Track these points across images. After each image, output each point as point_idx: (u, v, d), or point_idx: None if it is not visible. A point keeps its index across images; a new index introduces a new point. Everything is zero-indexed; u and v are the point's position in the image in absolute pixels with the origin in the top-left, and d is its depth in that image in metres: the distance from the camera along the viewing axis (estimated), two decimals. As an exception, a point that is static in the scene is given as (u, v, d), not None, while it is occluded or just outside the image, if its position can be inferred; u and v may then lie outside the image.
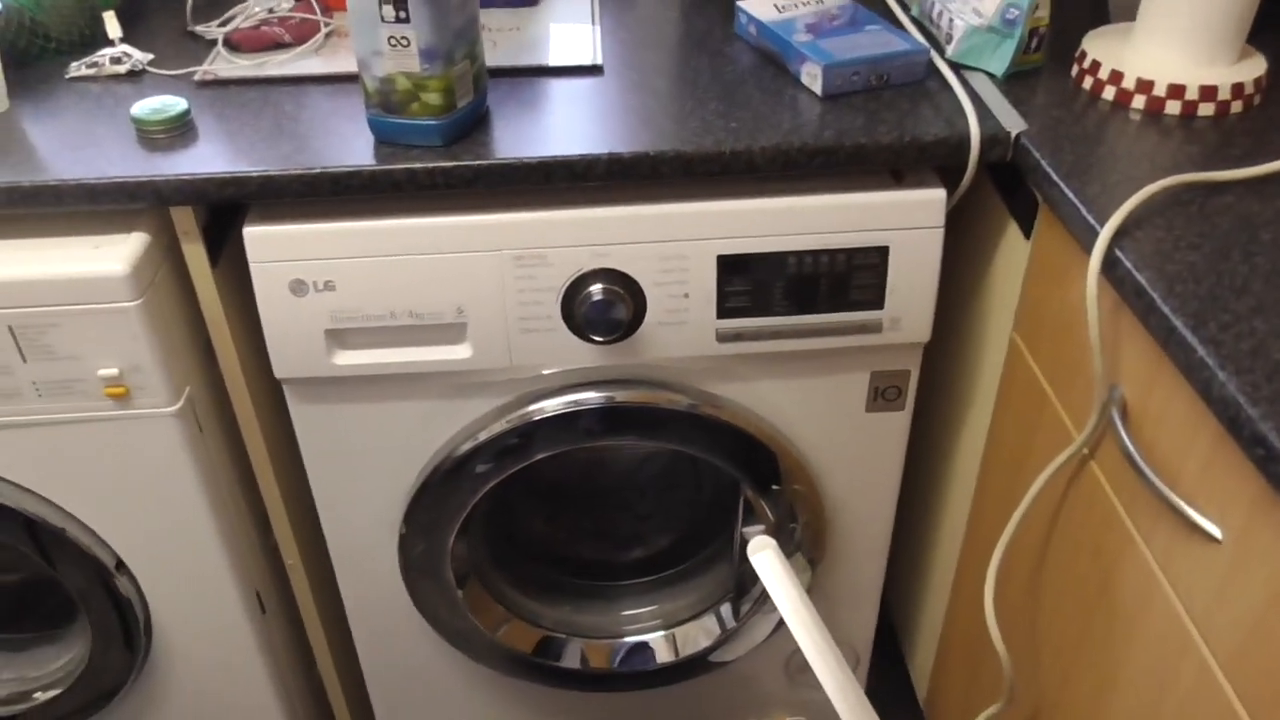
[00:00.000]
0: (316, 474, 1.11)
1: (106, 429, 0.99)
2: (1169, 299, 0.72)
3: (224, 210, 1.02)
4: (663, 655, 1.27)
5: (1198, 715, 0.74)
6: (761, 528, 1.15)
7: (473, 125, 0.96)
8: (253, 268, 0.96)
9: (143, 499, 1.04)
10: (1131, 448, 0.78)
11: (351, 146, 0.94)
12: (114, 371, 0.95)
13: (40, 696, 1.15)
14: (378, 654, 1.28)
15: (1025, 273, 0.99)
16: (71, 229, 0.95)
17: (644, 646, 1.28)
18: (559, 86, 1.03)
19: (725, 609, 1.27)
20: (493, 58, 1.06)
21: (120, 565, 1.08)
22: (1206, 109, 0.95)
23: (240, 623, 1.16)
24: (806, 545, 1.18)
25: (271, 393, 1.13)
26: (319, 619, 1.26)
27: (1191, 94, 0.95)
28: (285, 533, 1.17)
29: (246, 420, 1.08)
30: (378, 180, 0.92)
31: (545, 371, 1.04)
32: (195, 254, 0.97)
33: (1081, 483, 0.90)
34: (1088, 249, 0.81)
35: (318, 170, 0.91)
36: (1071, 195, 0.84)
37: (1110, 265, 0.78)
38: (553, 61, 1.07)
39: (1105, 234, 0.78)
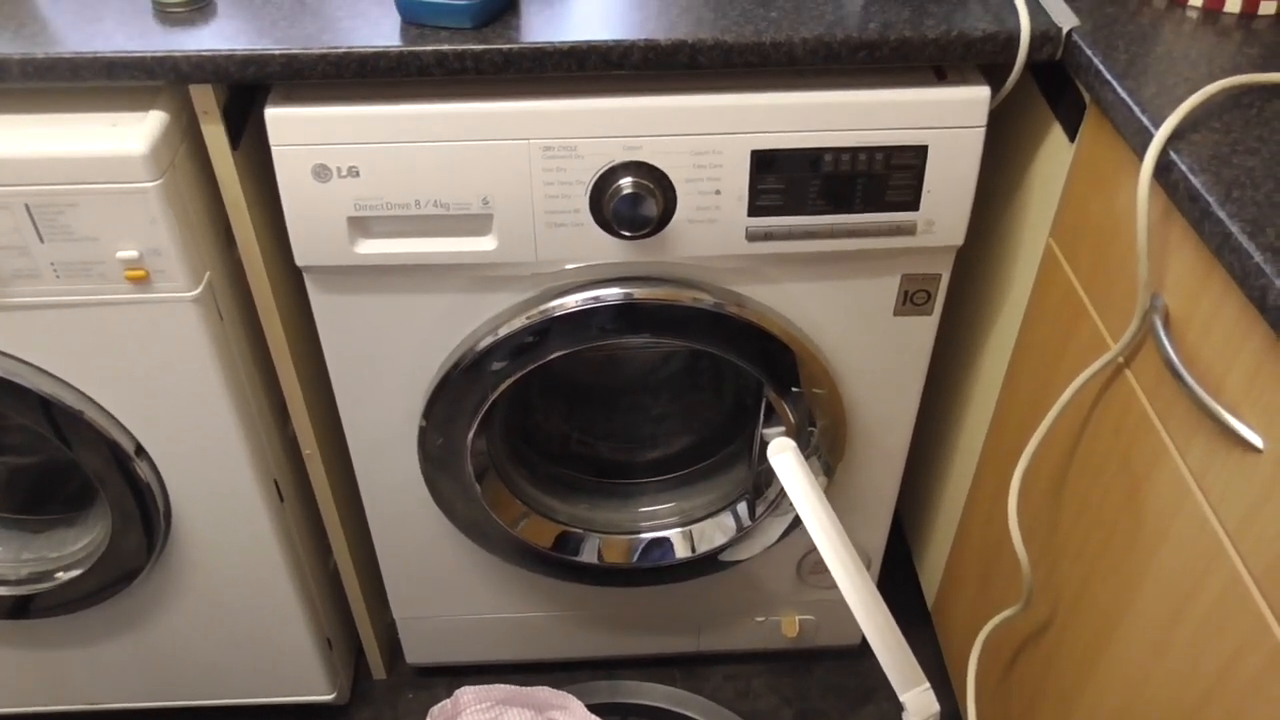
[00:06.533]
0: (336, 365, 1.10)
1: (126, 313, 0.97)
2: (1225, 204, 0.70)
3: (244, 91, 0.99)
4: (680, 551, 1.28)
5: (1224, 625, 0.74)
6: (782, 429, 1.15)
7: (504, 8, 0.92)
8: (274, 151, 0.93)
9: (162, 385, 1.03)
10: (1173, 355, 0.76)
11: (378, 27, 0.90)
12: (133, 254, 0.93)
13: (62, 576, 1.16)
14: (394, 545, 1.29)
15: (1067, 177, 0.97)
16: (84, 106, 0.92)
17: (663, 541, 1.28)
18: (591, -31, 0.99)
19: (742, 508, 1.27)
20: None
21: (140, 450, 1.07)
22: (1268, 7, 0.91)
23: (258, 510, 1.16)
24: (824, 449, 1.18)
25: (292, 281, 1.12)
26: (336, 508, 1.26)
27: (1252, -8, 0.92)
28: (303, 422, 1.17)
29: (266, 308, 1.07)
30: (405, 62, 0.88)
31: (569, 267, 1.02)
32: (215, 135, 0.94)
33: (1114, 391, 0.89)
34: (1139, 152, 0.78)
35: (343, 50, 0.88)
36: (1125, 96, 0.82)
37: (1163, 169, 0.76)
38: (585, -57, 1.02)
39: (1160, 136, 0.76)
